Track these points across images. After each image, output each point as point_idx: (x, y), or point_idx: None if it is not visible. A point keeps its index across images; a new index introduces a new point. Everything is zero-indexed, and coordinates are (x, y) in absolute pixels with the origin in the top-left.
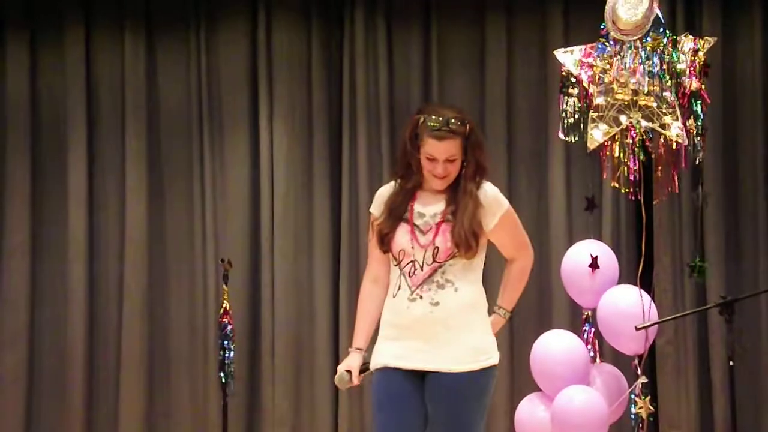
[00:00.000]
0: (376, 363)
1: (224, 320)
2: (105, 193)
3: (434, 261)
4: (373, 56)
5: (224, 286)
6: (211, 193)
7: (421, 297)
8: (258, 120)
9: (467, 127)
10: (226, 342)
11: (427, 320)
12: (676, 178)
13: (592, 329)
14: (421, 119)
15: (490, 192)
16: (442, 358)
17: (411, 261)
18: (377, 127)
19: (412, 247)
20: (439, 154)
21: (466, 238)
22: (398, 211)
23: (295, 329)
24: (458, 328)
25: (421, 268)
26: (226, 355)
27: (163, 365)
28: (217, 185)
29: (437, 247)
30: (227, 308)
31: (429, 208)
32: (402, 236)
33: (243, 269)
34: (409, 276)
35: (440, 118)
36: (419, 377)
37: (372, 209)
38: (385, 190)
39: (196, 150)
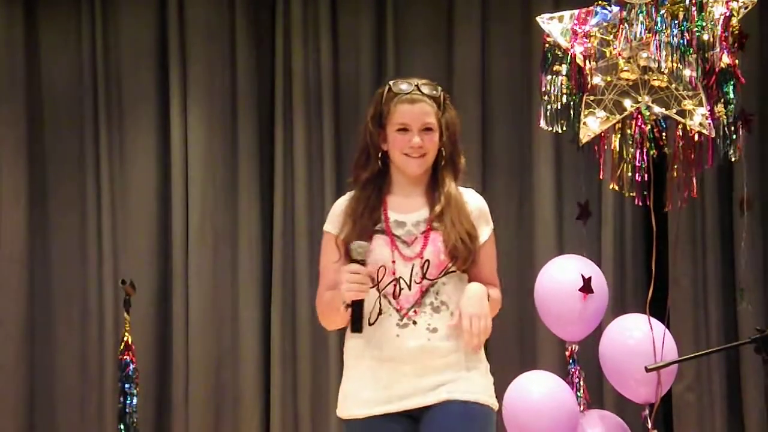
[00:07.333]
0: (352, 413)
1: (125, 358)
2: None
3: (424, 278)
4: (313, 28)
5: (125, 315)
6: (108, 198)
7: (414, 322)
8: (168, 107)
9: (441, 95)
10: (127, 385)
11: (424, 351)
12: (695, 180)
13: (578, 369)
14: (386, 89)
15: (480, 201)
16: (446, 390)
17: (394, 279)
18: (318, 117)
19: (394, 262)
20: (413, 119)
21: (463, 242)
22: (367, 222)
23: (214, 369)
24: (461, 360)
25: (408, 287)
26: (128, 401)
27: (46, 414)
28: (116, 188)
29: (427, 261)
30: (129, 343)
31: (409, 216)
32: (381, 249)
33: (149, 294)
34: (394, 297)
35: (410, 82)
36: (412, 422)
37: (327, 227)
38: (342, 202)
39: (89, 143)
